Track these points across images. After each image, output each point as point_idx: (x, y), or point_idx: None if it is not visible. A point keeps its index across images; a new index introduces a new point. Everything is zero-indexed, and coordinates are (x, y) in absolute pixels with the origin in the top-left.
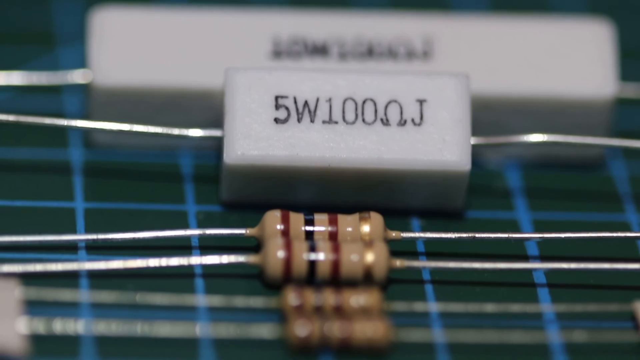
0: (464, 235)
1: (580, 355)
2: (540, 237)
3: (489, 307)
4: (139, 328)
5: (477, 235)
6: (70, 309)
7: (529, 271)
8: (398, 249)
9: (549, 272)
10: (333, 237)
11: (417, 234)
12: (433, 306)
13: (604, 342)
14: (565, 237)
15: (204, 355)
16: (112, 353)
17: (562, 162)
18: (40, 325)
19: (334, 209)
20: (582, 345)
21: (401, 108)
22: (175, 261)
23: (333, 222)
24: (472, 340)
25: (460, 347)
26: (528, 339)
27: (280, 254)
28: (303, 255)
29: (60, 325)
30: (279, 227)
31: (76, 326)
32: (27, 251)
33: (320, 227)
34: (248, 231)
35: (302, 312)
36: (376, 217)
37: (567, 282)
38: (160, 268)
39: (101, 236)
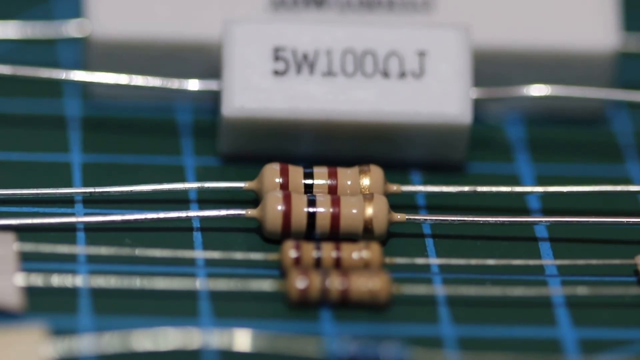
0: (465, 188)
1: (582, 309)
2: (542, 191)
3: (491, 261)
4: (137, 282)
5: (478, 188)
6: (67, 262)
7: (531, 225)
8: (398, 202)
9: (550, 226)
10: (332, 190)
11: (417, 188)
12: (434, 260)
13: (606, 296)
14: (567, 192)
15: (202, 309)
16: (109, 307)
17: (564, 115)
18: (37, 280)
19: (334, 162)
20: (585, 300)
21: (401, 60)
22: (173, 214)
23: (332, 175)
24: (473, 294)
25: (460, 301)
26: (530, 293)
27: (279, 207)
28: (302, 209)
29: (58, 279)
30: (278, 180)
31: (74, 280)
32: (24, 205)
33: (320, 180)
34: (247, 184)
35: (302, 266)
36: (376, 170)
37: (569, 236)
38: (158, 221)
39: (98, 189)
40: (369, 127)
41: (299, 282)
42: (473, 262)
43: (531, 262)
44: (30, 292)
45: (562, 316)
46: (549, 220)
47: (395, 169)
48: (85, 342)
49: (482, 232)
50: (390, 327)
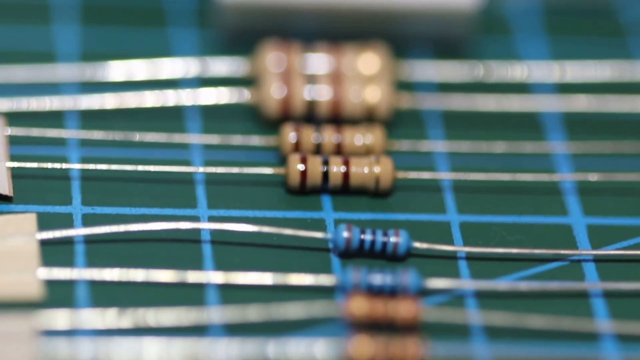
0: (473, 74)
1: (593, 195)
2: (554, 77)
3: (499, 147)
4: (129, 167)
5: (485, 74)
6: (60, 147)
7: (540, 114)
8: (403, 89)
9: (563, 113)
10: (334, 74)
11: (424, 69)
12: (439, 145)
13: (617, 182)
14: (579, 79)
15: (199, 194)
16: (100, 192)
17: (578, 5)
18: (28, 165)
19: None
20: (595, 185)
21: None
22: (169, 98)
23: (334, 54)
24: (480, 179)
25: (466, 187)
26: (539, 179)
27: (277, 88)
28: (302, 91)
29: (50, 165)
30: (277, 63)
31: (65, 165)
32: (15, 90)
33: (321, 62)
34: (245, 68)
35: (302, 149)
36: (380, 50)
37: (581, 119)
38: (155, 109)
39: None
40: (372, 12)
41: (299, 166)
42: (479, 148)
43: (540, 147)
44: (21, 177)
45: (572, 204)
46: (559, 110)
47: (401, 57)
48: (78, 227)
49: (489, 119)
50: (393, 213)
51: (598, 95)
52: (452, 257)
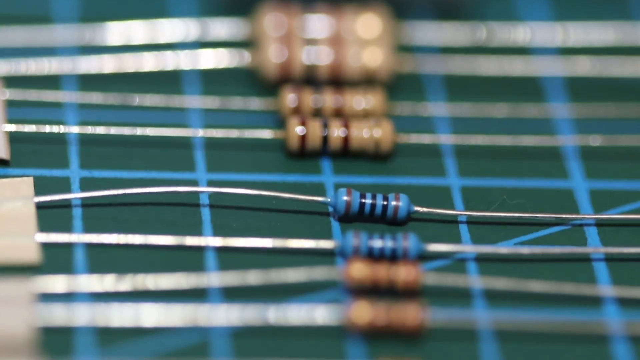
0: (475, 36)
1: (595, 159)
2: (557, 40)
3: (500, 111)
4: (127, 131)
5: (487, 36)
6: (58, 110)
7: (542, 77)
8: (404, 51)
9: (565, 76)
10: (334, 36)
11: (425, 32)
12: (439, 109)
13: (620, 146)
14: (582, 42)
15: (198, 158)
16: (98, 156)
17: None
18: (26, 128)
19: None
20: (598, 149)
21: None
22: (170, 62)
23: (334, 16)
24: (481, 143)
25: (467, 151)
26: (541, 143)
27: (277, 50)
28: (301, 53)
29: (48, 128)
30: (276, 25)
31: (63, 129)
32: (13, 52)
33: (320, 24)
34: (244, 31)
35: (301, 113)
36: (381, 12)
37: (584, 83)
38: (153, 72)
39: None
40: None
41: (299, 129)
42: (480, 111)
43: (543, 111)
44: (19, 141)
45: (574, 168)
46: (563, 74)
47: (404, 18)
48: (76, 191)
49: (491, 83)
50: (393, 177)
51: (601, 57)
52: (452, 221)
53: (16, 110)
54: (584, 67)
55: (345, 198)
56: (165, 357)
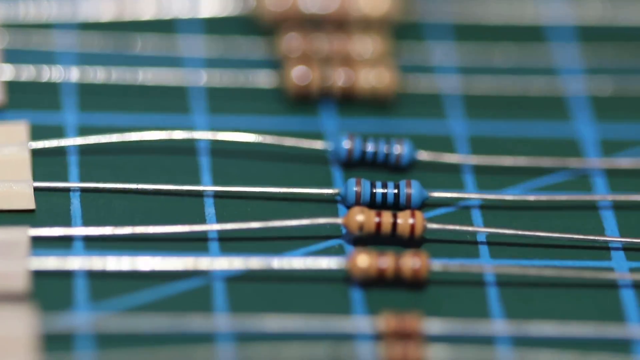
0: None
1: (603, 105)
2: None
3: (508, 58)
4: (126, 77)
5: None
6: (55, 56)
7: (551, 24)
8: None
9: (575, 23)
10: None
11: None
12: (445, 56)
13: (631, 97)
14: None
15: (196, 106)
16: (95, 102)
17: None
18: (21, 74)
19: None
20: (606, 94)
21: None
22: (169, 9)
23: None
24: (487, 90)
25: (473, 97)
26: (548, 88)
27: None
28: None
29: (45, 74)
30: None
31: (58, 74)
32: None
33: None
34: None
35: (302, 58)
36: None
37: (594, 29)
38: (153, 20)
39: None
40: None
41: (297, 76)
42: (484, 56)
43: (547, 61)
44: (15, 86)
45: (581, 114)
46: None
47: None
48: (71, 138)
49: (497, 32)
50: (396, 122)
51: (613, 1)
52: (457, 169)
53: (13, 55)
54: (595, 11)
55: (346, 144)
56: (163, 303)
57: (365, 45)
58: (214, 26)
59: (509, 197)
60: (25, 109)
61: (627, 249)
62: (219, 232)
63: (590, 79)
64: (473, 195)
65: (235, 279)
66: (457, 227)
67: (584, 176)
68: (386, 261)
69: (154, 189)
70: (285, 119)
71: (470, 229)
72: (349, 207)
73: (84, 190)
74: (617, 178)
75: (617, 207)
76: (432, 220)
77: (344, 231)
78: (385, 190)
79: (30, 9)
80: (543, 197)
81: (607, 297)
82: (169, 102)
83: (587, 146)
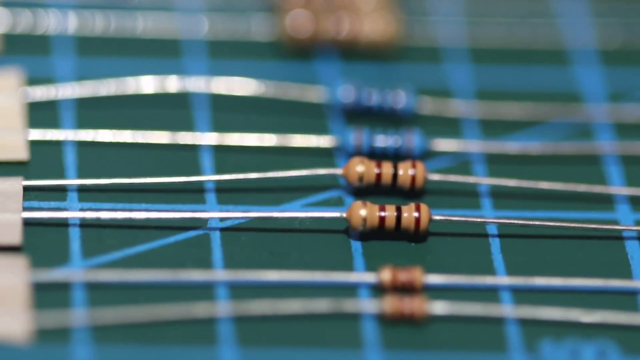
0: None
1: (612, 57)
2: None
3: (516, 10)
4: (124, 29)
5: None
6: (52, 6)
7: None
8: None
9: None
10: None
11: None
12: (448, 6)
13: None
14: None
15: (183, 50)
16: (90, 50)
17: None
18: (16, 24)
19: None
20: (615, 52)
21: None
22: None
23: None
24: (494, 42)
25: (479, 50)
26: (552, 42)
27: None
28: None
29: (43, 23)
30: None
31: (59, 24)
32: None
33: None
34: None
35: (301, 5)
36: None
37: None
38: None
39: None
40: None
41: (296, 20)
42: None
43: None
44: (12, 35)
45: (589, 63)
46: None
47: None
48: (65, 87)
49: None
50: (397, 73)
51: None
52: (459, 122)
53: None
54: None
55: (346, 92)
56: (160, 256)
57: None
58: None
59: (512, 148)
60: (21, 53)
61: (633, 200)
62: (216, 182)
63: (597, 28)
64: (475, 146)
65: (233, 231)
66: (459, 179)
67: (588, 127)
68: (386, 212)
69: (149, 140)
70: (283, 67)
71: (472, 180)
72: (348, 157)
73: (79, 142)
74: (622, 129)
75: (623, 158)
76: (434, 171)
77: (343, 183)
78: (386, 140)
79: None
80: (547, 148)
81: (612, 250)
82: (165, 52)
83: (592, 96)
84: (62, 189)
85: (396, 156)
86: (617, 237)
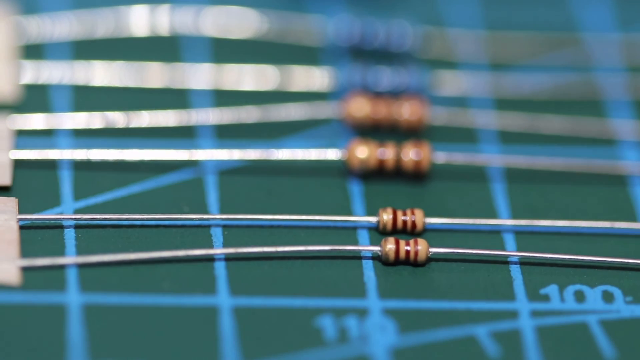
0: None
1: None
2: None
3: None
4: None
5: None
6: None
7: None
8: None
9: None
10: None
11: None
12: None
13: None
14: None
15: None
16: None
17: None
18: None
19: None
20: None
21: None
22: None
23: None
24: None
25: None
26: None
27: None
28: None
29: None
30: None
31: None
32: None
33: None
34: None
35: None
36: None
37: None
38: None
39: None
40: None
41: None
42: None
43: None
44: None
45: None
46: None
47: None
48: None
49: None
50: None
51: None
52: (462, 64)
53: None
54: None
55: (345, 26)
56: (153, 196)
57: None
58: None
59: (519, 89)
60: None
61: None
62: (213, 120)
63: None
64: (479, 81)
65: (228, 172)
66: (462, 117)
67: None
68: (386, 152)
69: (147, 85)
70: (284, 7)
71: (475, 120)
72: (348, 94)
73: (72, 84)
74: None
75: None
76: (435, 109)
77: (342, 117)
78: (386, 78)
79: None
80: (555, 89)
81: (617, 190)
82: None
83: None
84: (53, 131)
85: (396, 92)
86: (622, 177)
